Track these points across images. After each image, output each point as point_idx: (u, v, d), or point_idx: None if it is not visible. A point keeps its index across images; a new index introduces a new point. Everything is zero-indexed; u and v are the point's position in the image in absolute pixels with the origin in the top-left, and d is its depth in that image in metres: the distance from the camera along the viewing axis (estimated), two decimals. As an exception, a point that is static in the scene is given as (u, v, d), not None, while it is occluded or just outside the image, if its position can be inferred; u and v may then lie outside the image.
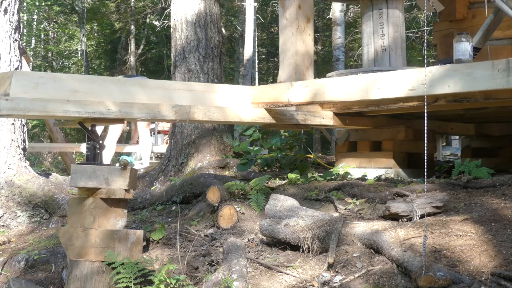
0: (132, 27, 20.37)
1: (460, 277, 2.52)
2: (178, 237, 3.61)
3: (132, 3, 20.07)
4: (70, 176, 3.39)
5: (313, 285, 2.84)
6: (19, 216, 5.05)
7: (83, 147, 7.50)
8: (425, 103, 3.08)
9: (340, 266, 2.92)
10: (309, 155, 6.08)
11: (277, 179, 4.89)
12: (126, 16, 20.43)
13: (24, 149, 5.37)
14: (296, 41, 4.96)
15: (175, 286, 3.02)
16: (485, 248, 2.73)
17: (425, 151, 3.06)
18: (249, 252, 3.40)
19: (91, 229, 3.28)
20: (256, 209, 4.02)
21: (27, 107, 3.17)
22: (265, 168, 5.55)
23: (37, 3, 22.93)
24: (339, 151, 5.38)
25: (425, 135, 2.96)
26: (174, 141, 6.16)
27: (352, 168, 4.99)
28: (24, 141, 5.40)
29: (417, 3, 11.52)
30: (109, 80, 3.79)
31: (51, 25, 23.95)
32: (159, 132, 13.75)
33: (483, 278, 2.52)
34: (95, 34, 23.35)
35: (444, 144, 10.61)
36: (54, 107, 3.24)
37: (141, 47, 20.99)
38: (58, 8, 22.26)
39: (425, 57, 3.62)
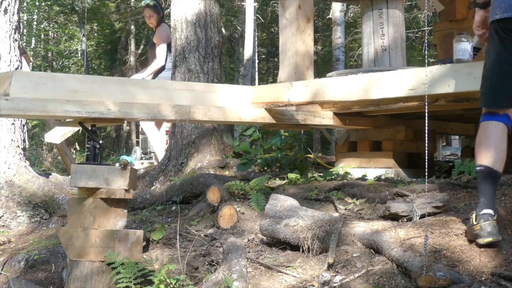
0: (132, 27, 20.36)
1: (460, 277, 2.52)
2: (178, 237, 3.61)
3: (132, 3, 20.07)
4: (70, 176, 3.39)
5: (313, 285, 2.84)
6: (19, 216, 5.05)
7: None
8: (426, 103, 3.08)
9: (340, 266, 2.92)
10: (309, 155, 6.07)
11: (277, 179, 4.89)
12: (126, 16, 20.42)
13: (24, 149, 5.37)
14: (296, 41, 4.96)
15: (175, 286, 3.02)
16: (485, 248, 2.73)
17: (426, 151, 3.06)
18: (249, 252, 3.40)
19: (91, 229, 3.28)
20: (256, 209, 4.02)
21: (27, 107, 3.17)
22: (265, 168, 5.55)
23: (37, 3, 22.91)
24: (339, 151, 5.38)
25: (426, 135, 2.96)
26: (174, 141, 6.16)
27: (352, 168, 4.99)
28: (24, 141, 5.40)
29: (417, 3, 11.53)
30: (109, 80, 3.79)
31: (51, 25, 23.94)
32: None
33: (483, 278, 2.52)
34: (95, 34, 23.34)
35: (444, 144, 10.60)
36: (54, 107, 3.24)
37: (141, 47, 20.97)
38: (58, 8, 22.24)
39: (426, 57, 3.64)
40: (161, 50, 6.64)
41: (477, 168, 2.82)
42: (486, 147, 2.81)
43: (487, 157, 2.79)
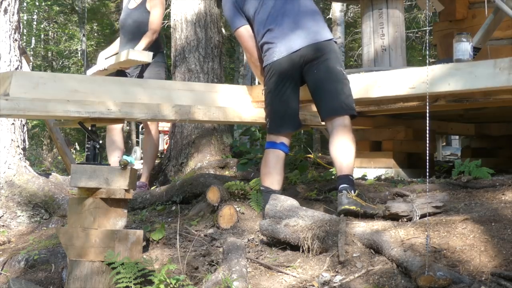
0: (132, 27, 20.34)
1: (460, 277, 2.52)
2: (178, 237, 3.60)
3: (132, 3, 20.05)
4: (70, 176, 3.39)
5: (313, 285, 2.84)
6: (19, 216, 5.05)
7: None
8: (428, 102, 3.08)
9: (340, 266, 2.92)
10: (309, 155, 6.07)
11: (277, 179, 4.88)
12: (126, 16, 20.40)
13: (24, 149, 5.37)
14: (296, 41, 4.94)
15: (175, 286, 3.02)
16: (485, 248, 2.73)
17: (427, 151, 3.06)
18: (249, 252, 3.40)
19: (91, 229, 3.28)
20: (256, 209, 4.02)
21: (27, 107, 3.16)
22: (265, 168, 5.54)
23: (37, 3, 22.92)
24: (339, 151, 5.36)
25: (427, 134, 2.96)
26: (174, 141, 6.16)
27: (352, 168, 4.99)
28: (24, 141, 5.40)
29: (417, 3, 11.53)
30: (110, 80, 3.79)
31: (51, 25, 23.95)
32: (159, 132, 13.71)
33: (483, 278, 2.52)
34: (95, 34, 23.35)
35: (444, 144, 10.62)
36: (54, 107, 3.23)
37: (141, 47, 20.95)
38: (58, 8, 22.25)
39: (428, 56, 3.64)
40: (159, 17, 5.41)
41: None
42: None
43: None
